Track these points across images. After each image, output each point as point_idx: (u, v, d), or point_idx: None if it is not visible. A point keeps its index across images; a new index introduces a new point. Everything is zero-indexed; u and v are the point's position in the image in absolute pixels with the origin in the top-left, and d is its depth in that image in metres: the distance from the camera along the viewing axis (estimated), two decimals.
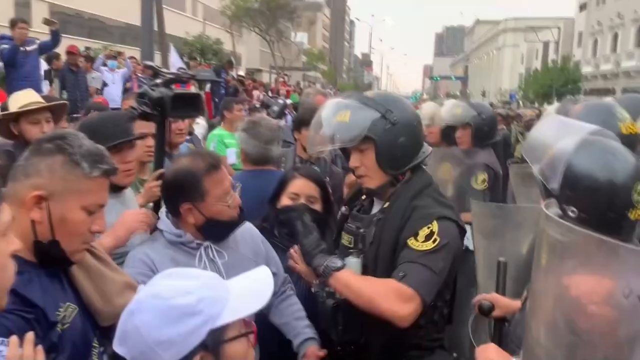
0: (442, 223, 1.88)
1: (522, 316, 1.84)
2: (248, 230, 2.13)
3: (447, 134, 4.16)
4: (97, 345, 1.49)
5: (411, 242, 1.86)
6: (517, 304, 1.98)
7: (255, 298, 1.21)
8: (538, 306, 1.13)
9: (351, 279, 1.85)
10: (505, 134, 7.47)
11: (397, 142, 1.90)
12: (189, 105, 2.44)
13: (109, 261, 1.65)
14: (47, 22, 7.68)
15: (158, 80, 2.50)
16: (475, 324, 2.09)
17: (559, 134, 1.71)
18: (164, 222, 1.99)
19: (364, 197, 2.15)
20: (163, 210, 2.08)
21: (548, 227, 1.08)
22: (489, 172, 3.69)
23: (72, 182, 1.39)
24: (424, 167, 2.05)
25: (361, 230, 2.02)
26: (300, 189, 2.38)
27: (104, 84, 9.81)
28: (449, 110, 4.09)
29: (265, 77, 36.07)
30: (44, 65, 8.25)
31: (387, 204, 1.99)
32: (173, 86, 2.96)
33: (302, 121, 3.56)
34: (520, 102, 43.47)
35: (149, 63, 2.99)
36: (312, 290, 2.05)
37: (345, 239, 2.09)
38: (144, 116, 2.55)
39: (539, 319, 1.11)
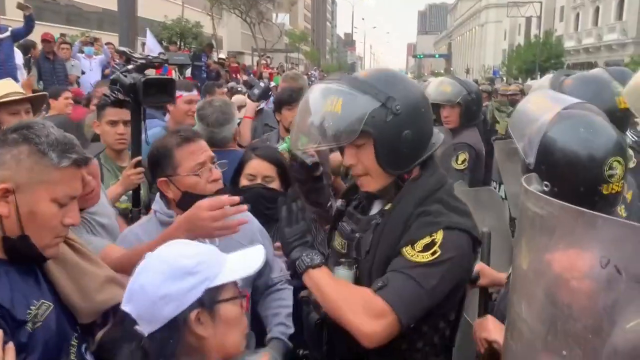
0: (450, 234, 1.53)
1: (507, 290, 1.85)
2: (246, 217, 2.09)
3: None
4: (75, 344, 1.43)
5: (406, 250, 1.53)
6: (501, 275, 1.98)
7: (248, 264, 1.33)
8: (520, 281, 1.12)
9: (323, 279, 1.56)
10: (483, 110, 7.49)
11: (401, 136, 1.54)
12: (162, 92, 2.39)
13: (90, 255, 1.58)
14: (20, 6, 7.50)
15: (130, 66, 2.44)
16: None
17: (542, 110, 1.70)
18: (158, 202, 1.99)
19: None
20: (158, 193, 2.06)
21: (527, 201, 1.07)
22: (471, 152, 3.61)
23: (40, 173, 1.33)
24: (434, 160, 1.69)
25: (357, 235, 1.68)
26: (256, 170, 2.41)
27: (83, 72, 9.63)
28: (437, 88, 3.88)
29: (247, 60, 35.69)
30: (20, 55, 8.10)
31: (388, 206, 1.65)
32: (154, 72, 2.89)
33: (281, 101, 3.55)
34: (504, 78, 43.60)
35: (122, 48, 2.93)
36: (299, 297, 1.81)
37: (338, 242, 1.77)
38: (117, 103, 2.50)
39: (521, 294, 1.10)
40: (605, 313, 0.84)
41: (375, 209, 1.73)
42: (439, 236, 1.51)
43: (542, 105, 1.73)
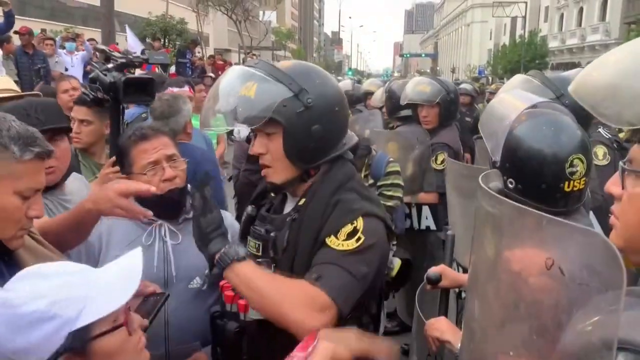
0: (369, 220, 1.54)
1: None
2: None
3: (395, 110, 4.09)
4: None
5: (330, 240, 1.51)
6: (463, 277, 2.01)
7: (121, 292, 1.11)
8: (473, 279, 1.13)
9: (255, 274, 1.45)
10: (476, 113, 7.52)
11: (310, 129, 1.53)
12: (142, 91, 2.38)
13: (50, 246, 1.61)
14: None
15: (110, 65, 2.43)
16: (422, 296, 2.11)
17: (510, 109, 1.73)
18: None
19: (273, 194, 1.79)
20: None
21: (481, 199, 1.08)
22: (449, 152, 3.63)
23: (1, 166, 1.32)
24: (346, 157, 1.68)
25: (271, 234, 1.64)
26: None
27: (66, 69, 9.51)
28: (414, 87, 3.87)
29: (234, 58, 35.51)
30: None
31: (302, 201, 1.63)
32: (139, 70, 2.86)
33: None
34: (490, 78, 43.89)
35: (101, 46, 2.92)
36: (211, 313, 1.69)
37: (252, 245, 1.70)
38: (97, 102, 2.48)
39: (474, 293, 1.11)
40: (549, 314, 0.85)
41: (288, 207, 1.71)
42: (359, 223, 1.51)
43: (510, 104, 1.76)
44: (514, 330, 0.91)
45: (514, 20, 52.57)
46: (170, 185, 1.89)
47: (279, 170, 1.61)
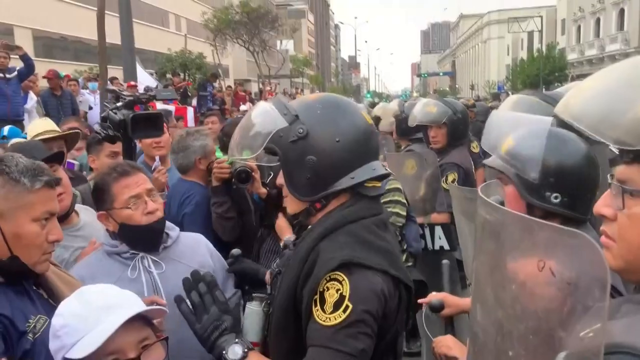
0: (356, 278, 1.37)
1: None
2: (196, 242, 2.15)
3: (406, 132, 4.14)
4: None
5: (316, 312, 1.38)
6: (466, 302, 2.02)
7: (98, 334, 1.19)
8: (476, 284, 1.15)
9: None
10: None
11: (303, 160, 1.46)
12: (150, 126, 2.49)
13: (69, 273, 1.78)
14: (9, 47, 7.74)
15: (119, 104, 2.56)
16: (427, 318, 2.12)
17: (512, 125, 1.78)
18: (104, 235, 2.06)
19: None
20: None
21: (479, 208, 1.11)
22: (459, 171, 3.64)
23: (17, 198, 1.46)
24: (363, 192, 1.54)
25: (277, 270, 1.63)
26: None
27: (90, 107, 9.83)
28: (422, 109, 3.97)
29: (253, 87, 36.08)
30: (34, 98, 8.40)
31: (299, 239, 1.57)
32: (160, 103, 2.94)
33: None
34: (509, 93, 43.59)
35: (110, 87, 3.07)
36: None
37: (268, 277, 1.75)
38: (108, 139, 2.61)
39: (477, 297, 1.13)
40: (543, 314, 0.88)
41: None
42: (345, 288, 1.36)
43: (512, 121, 1.82)
44: (513, 333, 0.94)
45: (530, 34, 52.43)
46: (153, 218, 1.95)
47: (288, 202, 1.59)
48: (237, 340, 1.47)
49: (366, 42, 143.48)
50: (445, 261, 2.17)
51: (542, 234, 0.88)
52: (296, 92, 31.63)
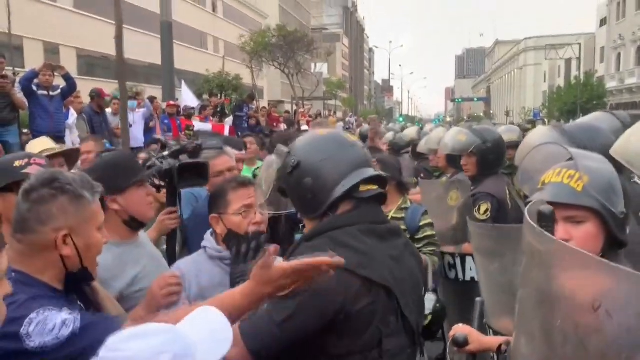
0: None
1: None
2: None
3: (453, 160, 4.12)
4: None
5: None
6: (489, 340, 1.98)
7: (218, 344, 1.12)
8: (520, 314, 1.12)
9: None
10: None
11: (302, 183, 1.70)
12: (197, 175, 2.49)
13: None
14: (52, 67, 7.97)
15: (166, 153, 2.57)
16: (452, 350, 2.07)
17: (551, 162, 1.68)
18: (208, 239, 2.21)
19: None
20: (209, 230, 2.26)
21: (528, 236, 1.08)
22: (493, 202, 3.52)
23: (84, 212, 1.56)
24: (357, 195, 1.70)
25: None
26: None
27: (130, 125, 10.05)
28: (454, 137, 4.01)
29: (287, 108, 36.48)
30: (74, 114, 8.69)
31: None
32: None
33: None
34: (546, 120, 42.93)
35: (157, 136, 3.09)
36: None
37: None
38: (154, 188, 2.62)
39: (520, 329, 1.10)
40: (596, 352, 0.84)
41: None
42: None
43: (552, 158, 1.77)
44: None
45: (568, 61, 51.72)
46: (257, 228, 2.13)
47: (306, 223, 1.82)
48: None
49: (400, 66, 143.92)
50: (479, 299, 2.12)
51: (601, 273, 0.85)
52: (329, 114, 31.75)
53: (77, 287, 1.62)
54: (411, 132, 7.61)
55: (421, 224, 3.48)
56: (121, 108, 8.41)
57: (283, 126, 15.25)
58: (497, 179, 3.76)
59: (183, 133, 10.23)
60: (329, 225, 1.67)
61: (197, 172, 2.50)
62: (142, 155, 3.46)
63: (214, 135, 4.75)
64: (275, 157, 1.82)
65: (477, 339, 2.00)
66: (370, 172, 1.73)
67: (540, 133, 2.65)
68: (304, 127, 14.29)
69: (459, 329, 2.02)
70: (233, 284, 1.87)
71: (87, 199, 1.56)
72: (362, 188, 1.70)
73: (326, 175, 1.69)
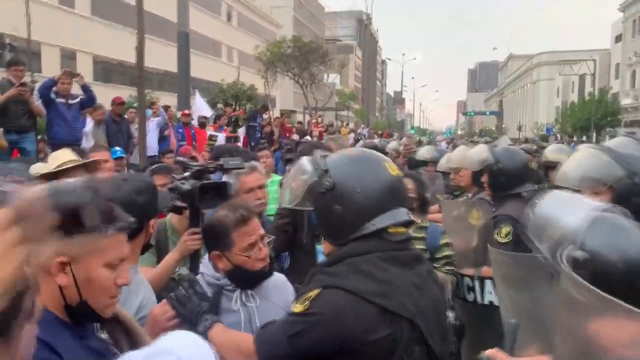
0: (327, 292, 1.57)
1: None
2: (281, 282, 2.25)
3: (477, 178, 4.07)
4: None
5: (292, 304, 1.68)
6: None
7: None
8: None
9: (217, 332, 1.76)
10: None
11: (331, 209, 1.65)
12: (217, 195, 2.48)
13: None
14: (71, 74, 8.00)
15: (187, 174, 2.57)
16: None
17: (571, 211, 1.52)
18: (206, 265, 2.14)
19: None
20: (206, 255, 2.21)
21: (565, 283, 1.06)
22: (515, 225, 3.32)
23: (92, 243, 1.44)
24: (387, 238, 1.67)
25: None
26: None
27: None
28: (477, 153, 4.05)
29: (299, 118, 36.60)
30: (91, 123, 8.74)
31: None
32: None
33: None
34: (559, 136, 42.72)
35: (180, 158, 3.12)
36: None
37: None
38: (176, 210, 2.61)
39: None
40: None
41: None
42: (314, 293, 1.58)
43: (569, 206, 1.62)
44: None
45: (582, 77, 51.51)
46: (264, 263, 2.07)
47: (324, 243, 1.80)
48: (209, 316, 1.82)
49: (412, 78, 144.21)
50: (513, 321, 2.04)
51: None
52: (341, 125, 31.79)
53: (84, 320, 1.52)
54: (424, 153, 7.08)
55: (440, 242, 3.45)
56: (139, 117, 8.46)
57: (296, 136, 15.27)
58: (518, 201, 3.59)
59: (206, 144, 10.34)
60: (350, 251, 1.65)
61: (218, 192, 2.48)
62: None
63: (231, 149, 4.72)
64: (310, 165, 1.74)
65: None
66: (404, 215, 1.69)
67: (587, 155, 2.40)
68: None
69: (492, 353, 1.96)
70: (194, 325, 1.82)
71: (99, 232, 1.44)
72: (391, 229, 1.67)
73: (359, 209, 1.64)
